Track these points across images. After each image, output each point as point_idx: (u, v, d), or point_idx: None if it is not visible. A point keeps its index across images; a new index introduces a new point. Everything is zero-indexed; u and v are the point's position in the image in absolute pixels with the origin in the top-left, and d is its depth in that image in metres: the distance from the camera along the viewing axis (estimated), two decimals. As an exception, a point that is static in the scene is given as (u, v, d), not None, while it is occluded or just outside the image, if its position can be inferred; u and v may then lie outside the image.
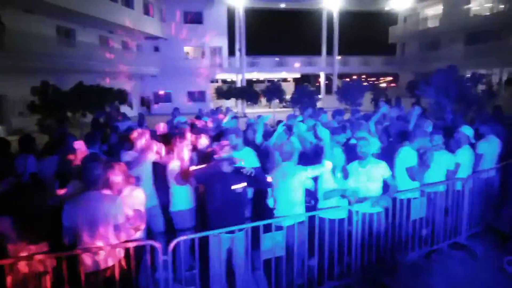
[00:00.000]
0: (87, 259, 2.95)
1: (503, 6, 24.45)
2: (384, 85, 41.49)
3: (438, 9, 30.30)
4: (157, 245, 3.15)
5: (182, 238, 3.37)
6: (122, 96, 13.77)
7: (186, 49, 33.86)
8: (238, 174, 3.71)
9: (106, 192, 3.12)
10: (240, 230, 3.69)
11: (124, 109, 13.48)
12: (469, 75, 12.14)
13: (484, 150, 5.29)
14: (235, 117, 7.33)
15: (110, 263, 3.02)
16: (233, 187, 3.66)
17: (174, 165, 4.26)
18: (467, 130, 5.05)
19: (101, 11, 21.73)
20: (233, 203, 3.70)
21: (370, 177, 4.16)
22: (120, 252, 3.12)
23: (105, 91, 12.91)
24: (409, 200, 4.43)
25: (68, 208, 2.98)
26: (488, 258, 4.61)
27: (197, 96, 32.54)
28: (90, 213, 2.95)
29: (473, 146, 5.16)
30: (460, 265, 4.56)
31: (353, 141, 5.14)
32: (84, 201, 3.00)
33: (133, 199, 3.42)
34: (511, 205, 5.71)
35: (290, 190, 3.87)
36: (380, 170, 4.18)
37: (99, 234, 2.96)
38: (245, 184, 3.75)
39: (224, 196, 3.65)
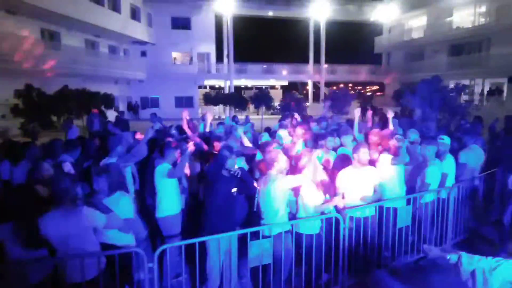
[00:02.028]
0: (71, 269, 2.87)
1: (483, 19, 25.22)
2: (370, 93, 42.08)
3: (422, 20, 31.03)
4: (142, 252, 3.10)
5: (169, 245, 3.34)
6: (108, 101, 13.61)
7: (174, 54, 33.76)
8: (232, 178, 3.82)
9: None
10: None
11: (110, 113, 13.33)
12: (453, 86, 12.40)
13: (467, 159, 5.39)
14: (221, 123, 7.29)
15: (95, 273, 2.94)
16: (232, 190, 3.79)
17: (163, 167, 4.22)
18: (447, 140, 5.14)
19: (86, 14, 21.50)
20: (232, 206, 3.81)
21: (363, 181, 4.22)
22: (103, 261, 3.05)
23: (91, 95, 12.75)
24: (395, 209, 4.48)
25: (47, 223, 2.79)
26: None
27: (185, 102, 32.36)
28: (69, 229, 2.80)
29: (455, 155, 5.26)
30: (445, 272, 4.60)
31: (343, 150, 5.19)
32: (62, 217, 2.81)
33: (120, 207, 3.38)
34: (495, 212, 5.81)
35: (271, 197, 3.83)
36: (373, 176, 4.26)
37: (79, 248, 2.87)
38: (236, 188, 3.85)
39: (226, 197, 3.77)
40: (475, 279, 2.09)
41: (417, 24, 31.76)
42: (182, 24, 32.44)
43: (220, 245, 3.70)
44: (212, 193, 3.84)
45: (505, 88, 24.22)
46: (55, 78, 17.69)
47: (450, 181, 5.02)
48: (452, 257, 2.27)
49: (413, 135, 5.33)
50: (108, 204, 3.22)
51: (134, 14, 29.18)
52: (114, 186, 3.47)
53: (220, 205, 3.78)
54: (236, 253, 3.88)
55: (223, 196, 3.79)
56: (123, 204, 3.50)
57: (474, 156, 5.55)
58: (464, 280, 2.16)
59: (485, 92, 25.20)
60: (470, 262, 2.15)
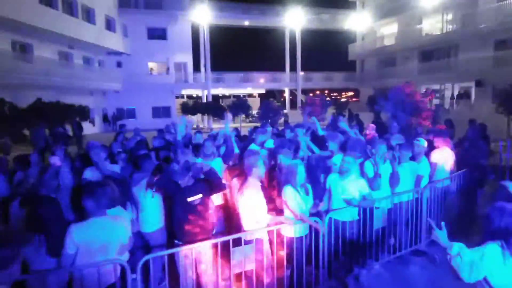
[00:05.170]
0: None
1: (451, 26, 26.31)
2: (345, 99, 42.95)
3: (393, 28, 32.04)
4: (125, 264, 3.10)
5: (149, 256, 3.35)
6: (84, 113, 13.39)
7: (150, 64, 33.53)
8: (195, 185, 3.81)
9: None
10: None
11: (86, 125, 13.10)
12: (424, 90, 12.86)
13: (438, 159, 5.63)
14: (199, 131, 7.39)
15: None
16: (189, 199, 3.71)
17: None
18: (422, 142, 5.37)
19: (59, 26, 21.09)
20: (192, 215, 3.74)
21: (345, 190, 4.29)
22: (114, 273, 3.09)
23: (66, 108, 12.52)
24: (371, 210, 4.62)
25: (79, 232, 2.89)
26: (446, 262, 4.86)
27: (162, 112, 32.12)
28: (105, 237, 2.95)
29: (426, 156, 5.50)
30: (421, 270, 4.78)
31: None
32: (98, 224, 2.95)
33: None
34: (468, 211, 6.04)
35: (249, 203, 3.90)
36: (358, 186, 4.30)
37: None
38: (201, 195, 3.78)
39: (183, 208, 3.73)
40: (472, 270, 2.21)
41: (388, 31, 32.75)
42: (158, 34, 32.32)
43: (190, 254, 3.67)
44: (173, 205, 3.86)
45: (473, 92, 25.23)
46: (28, 91, 17.25)
47: (424, 182, 5.23)
48: (454, 248, 2.36)
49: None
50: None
51: (109, 25, 28.86)
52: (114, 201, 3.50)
53: (180, 217, 3.77)
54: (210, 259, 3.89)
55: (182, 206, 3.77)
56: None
57: (445, 157, 5.79)
58: (459, 272, 2.27)
59: (455, 96, 26.17)
60: (466, 253, 2.26)
